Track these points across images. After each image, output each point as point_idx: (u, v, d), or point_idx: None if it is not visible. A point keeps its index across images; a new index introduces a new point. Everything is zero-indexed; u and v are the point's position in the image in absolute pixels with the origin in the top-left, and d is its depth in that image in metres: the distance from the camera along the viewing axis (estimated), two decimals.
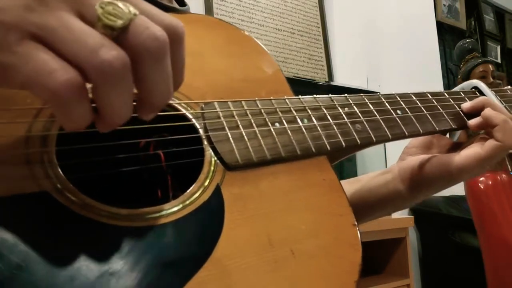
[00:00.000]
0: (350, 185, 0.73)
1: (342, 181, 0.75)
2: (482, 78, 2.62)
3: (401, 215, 2.60)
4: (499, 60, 4.12)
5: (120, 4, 0.32)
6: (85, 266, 0.34)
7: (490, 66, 2.57)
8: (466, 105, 0.65)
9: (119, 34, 0.32)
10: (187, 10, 0.76)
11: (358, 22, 2.72)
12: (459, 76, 2.62)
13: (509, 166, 2.24)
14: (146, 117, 0.36)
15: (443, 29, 3.52)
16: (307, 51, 2.46)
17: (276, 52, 2.32)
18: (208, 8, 2.09)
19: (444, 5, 3.57)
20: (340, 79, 2.55)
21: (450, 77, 3.47)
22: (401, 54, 2.91)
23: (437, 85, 3.19)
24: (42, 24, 0.31)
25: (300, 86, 2.05)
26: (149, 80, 0.34)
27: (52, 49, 0.31)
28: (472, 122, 0.63)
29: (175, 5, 0.75)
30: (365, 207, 0.71)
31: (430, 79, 3.10)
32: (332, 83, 2.48)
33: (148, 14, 0.34)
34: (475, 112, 0.64)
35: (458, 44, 2.69)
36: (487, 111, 0.62)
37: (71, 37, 0.31)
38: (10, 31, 0.30)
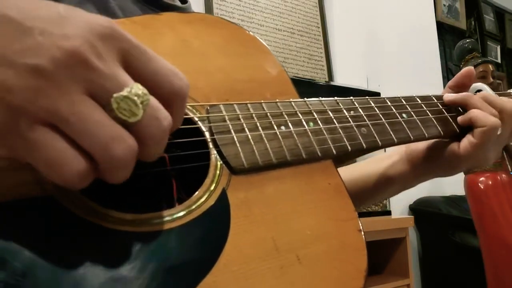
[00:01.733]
0: (351, 171, 0.75)
1: (342, 169, 0.76)
2: (482, 78, 2.62)
3: (401, 215, 2.61)
4: (499, 60, 4.12)
5: (134, 98, 0.32)
6: (90, 272, 0.34)
7: (490, 66, 2.57)
8: (448, 96, 0.67)
9: (130, 125, 0.32)
10: (188, 7, 0.76)
11: (358, 22, 2.72)
12: None
13: (509, 166, 2.24)
14: None
15: (443, 29, 3.51)
16: (307, 51, 2.46)
17: (276, 52, 2.32)
18: (208, 8, 2.09)
19: (444, 5, 3.57)
20: (340, 79, 2.55)
21: (450, 77, 3.45)
22: (401, 54, 2.91)
23: (437, 85, 3.19)
24: (53, 110, 0.30)
25: (300, 86, 2.04)
26: (148, 155, 0.35)
27: (64, 134, 0.31)
28: (459, 119, 0.65)
29: (177, 2, 0.74)
30: (370, 189, 0.73)
31: (430, 79, 3.10)
32: (332, 83, 2.48)
33: (158, 80, 0.35)
34: (454, 105, 0.66)
35: (458, 44, 2.69)
36: (472, 114, 0.63)
37: (83, 129, 0.30)
38: (20, 116, 0.29)
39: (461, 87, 0.69)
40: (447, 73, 3.46)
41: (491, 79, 2.64)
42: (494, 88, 2.79)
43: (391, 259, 2.14)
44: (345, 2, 2.71)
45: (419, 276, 2.80)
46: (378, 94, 2.39)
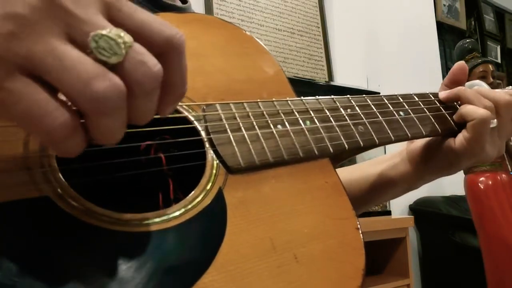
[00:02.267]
0: (353, 172, 0.75)
1: (343, 169, 0.76)
2: (482, 78, 2.62)
3: (401, 215, 2.61)
4: (499, 60, 4.12)
5: (114, 37, 0.30)
6: (86, 273, 0.34)
7: (490, 66, 2.56)
8: (443, 94, 0.67)
9: (112, 68, 0.30)
10: (188, 7, 0.76)
11: (358, 22, 2.72)
12: None
13: (509, 166, 2.24)
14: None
15: (443, 29, 3.51)
16: (307, 51, 2.46)
17: (276, 52, 2.32)
18: (208, 8, 2.08)
19: (444, 5, 3.57)
20: (340, 79, 2.55)
21: None
22: (401, 54, 2.91)
23: (437, 85, 3.17)
24: (29, 53, 0.28)
25: (300, 86, 2.04)
26: (137, 109, 0.32)
27: (43, 81, 0.29)
28: (454, 117, 0.64)
29: (178, 2, 0.74)
30: (372, 191, 0.72)
31: (430, 79, 3.10)
32: (332, 83, 2.48)
33: (145, 29, 0.33)
34: (450, 101, 0.66)
35: (458, 44, 2.68)
36: (463, 109, 0.63)
37: (61, 67, 0.29)
38: None
39: (456, 83, 0.68)
40: (447, 73, 3.46)
41: (491, 79, 2.64)
42: (494, 88, 2.78)
43: (391, 259, 2.14)
44: (345, 2, 2.71)
45: (419, 276, 2.80)
46: (378, 94, 2.39)
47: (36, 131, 0.29)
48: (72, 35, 0.30)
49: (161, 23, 0.33)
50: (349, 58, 2.64)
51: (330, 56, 2.55)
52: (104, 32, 0.30)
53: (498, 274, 2.11)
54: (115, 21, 0.32)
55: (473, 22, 3.91)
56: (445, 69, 3.45)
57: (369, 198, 0.73)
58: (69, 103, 0.30)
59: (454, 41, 3.35)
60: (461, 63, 0.69)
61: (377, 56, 2.77)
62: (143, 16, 0.33)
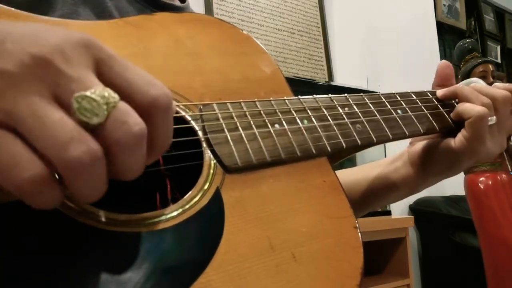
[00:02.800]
0: (354, 175, 0.74)
1: (344, 170, 0.76)
2: (482, 78, 2.62)
3: (401, 215, 2.61)
4: (499, 60, 4.12)
5: (97, 98, 0.30)
6: (83, 273, 0.34)
7: (490, 66, 2.56)
8: (440, 92, 0.66)
9: (94, 129, 0.30)
10: (187, 6, 0.75)
11: (358, 22, 2.72)
12: (459, 76, 2.62)
13: (509, 166, 2.23)
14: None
15: (443, 29, 3.51)
16: (307, 51, 2.46)
17: (276, 52, 2.32)
18: (208, 8, 2.08)
19: (444, 5, 3.57)
20: (340, 79, 2.55)
21: None
22: (401, 54, 2.91)
23: None
24: (11, 111, 0.28)
25: (300, 86, 2.04)
26: (122, 166, 0.32)
27: (22, 138, 0.29)
28: (451, 115, 0.64)
29: (176, 1, 0.74)
30: (374, 194, 0.72)
31: (430, 79, 3.08)
32: (332, 83, 2.47)
33: (132, 89, 0.33)
34: (448, 99, 0.66)
35: (458, 44, 2.69)
36: (460, 107, 0.62)
37: (40, 129, 0.29)
38: None
39: (446, 79, 0.69)
40: None
41: (491, 79, 2.64)
42: None
43: (391, 259, 2.14)
44: (345, 2, 2.71)
45: (419, 276, 2.80)
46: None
47: (7, 183, 0.29)
48: (58, 93, 0.30)
49: (149, 83, 0.33)
50: (349, 58, 2.64)
51: (330, 56, 2.55)
52: (87, 93, 0.30)
53: (498, 274, 2.10)
54: (105, 78, 0.32)
55: (473, 22, 3.91)
56: None
57: (371, 201, 0.73)
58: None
59: (454, 41, 3.35)
60: (444, 61, 0.70)
61: (377, 56, 2.77)
62: (132, 75, 0.33)
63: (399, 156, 0.71)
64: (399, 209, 2.69)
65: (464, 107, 0.61)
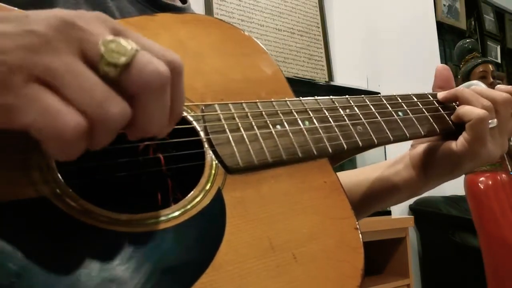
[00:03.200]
0: (355, 177, 0.74)
1: (346, 172, 0.76)
2: (482, 78, 2.62)
3: (401, 215, 2.61)
4: (499, 60, 4.12)
5: (122, 41, 0.32)
6: (85, 273, 0.34)
7: (490, 66, 2.56)
8: (441, 94, 0.67)
9: (122, 71, 0.32)
10: (188, 7, 0.76)
11: (358, 22, 2.72)
12: (459, 76, 2.62)
13: (509, 166, 2.24)
14: (134, 138, 0.36)
15: (443, 29, 3.51)
16: (307, 51, 2.46)
17: (276, 52, 2.32)
18: (208, 8, 2.08)
19: (444, 5, 3.57)
20: (340, 79, 2.55)
21: None
22: (401, 54, 2.91)
23: None
24: (47, 67, 0.30)
25: (300, 86, 2.04)
26: (148, 112, 0.34)
27: (57, 93, 0.31)
28: (452, 117, 0.64)
29: (177, 2, 0.74)
30: (375, 196, 0.72)
31: (430, 79, 3.08)
32: (332, 83, 2.47)
33: (149, 50, 0.34)
34: (448, 101, 0.66)
35: (458, 44, 2.68)
36: (460, 110, 0.63)
37: (78, 86, 0.31)
38: (14, 73, 0.30)
39: (446, 82, 0.69)
40: None
41: (491, 79, 2.63)
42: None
43: (391, 259, 2.14)
44: (345, 2, 2.71)
45: (419, 276, 2.80)
46: (378, 94, 2.39)
47: (48, 134, 0.30)
48: (83, 50, 0.32)
49: (162, 48, 0.36)
50: (349, 58, 2.64)
51: (330, 56, 2.55)
52: (112, 37, 0.32)
53: (498, 274, 2.10)
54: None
55: (473, 22, 3.91)
56: None
57: (372, 203, 0.73)
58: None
59: (454, 41, 3.36)
60: (441, 65, 0.71)
61: (377, 56, 2.77)
62: (147, 42, 0.35)
63: (401, 159, 0.71)
64: (399, 209, 2.69)
65: (465, 110, 0.62)
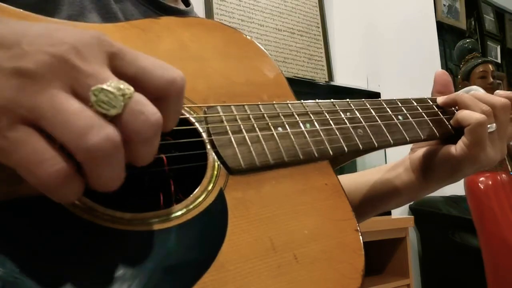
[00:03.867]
0: (356, 180, 0.75)
1: (346, 175, 0.76)
2: (482, 78, 2.62)
3: (401, 215, 2.61)
4: (499, 60, 4.12)
5: (113, 90, 0.31)
6: (87, 271, 0.34)
7: (490, 66, 2.56)
8: (441, 99, 0.67)
9: (112, 119, 0.31)
10: (191, 10, 0.76)
11: (358, 22, 2.72)
12: (459, 76, 2.62)
13: (509, 166, 2.24)
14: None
15: (443, 29, 3.52)
16: (307, 51, 2.46)
17: (276, 52, 2.32)
18: (208, 8, 2.08)
19: (444, 5, 3.57)
20: (340, 79, 2.55)
21: (450, 77, 3.46)
22: (401, 54, 2.91)
23: None
24: (32, 106, 0.30)
25: (300, 86, 2.04)
26: (137, 154, 0.34)
27: (44, 131, 0.30)
28: (451, 122, 0.65)
29: (181, 5, 0.75)
30: (376, 199, 0.72)
31: (430, 79, 3.09)
32: (332, 83, 2.48)
33: (146, 75, 0.34)
34: (448, 106, 0.66)
35: (458, 44, 2.68)
36: (459, 114, 0.63)
37: (60, 120, 0.30)
38: (2, 115, 0.30)
39: (445, 86, 0.69)
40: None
41: (491, 79, 2.64)
42: (494, 88, 2.79)
43: (391, 259, 2.14)
44: (345, 2, 2.71)
45: (419, 276, 2.80)
46: (378, 94, 2.40)
47: (33, 178, 0.30)
48: (75, 88, 0.31)
49: (161, 67, 0.35)
50: (349, 58, 2.64)
51: (330, 56, 2.55)
52: (104, 86, 0.31)
53: (498, 274, 2.11)
54: (119, 70, 0.34)
55: (473, 22, 3.91)
56: (445, 69, 3.45)
57: (372, 207, 0.73)
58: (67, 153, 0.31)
59: (454, 41, 3.35)
60: (440, 70, 0.71)
61: (377, 56, 2.78)
62: (145, 62, 0.35)
63: (401, 162, 0.72)
64: (399, 209, 2.69)
65: (463, 114, 0.62)
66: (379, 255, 2.14)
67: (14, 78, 0.30)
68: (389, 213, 2.31)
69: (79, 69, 0.31)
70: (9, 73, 0.30)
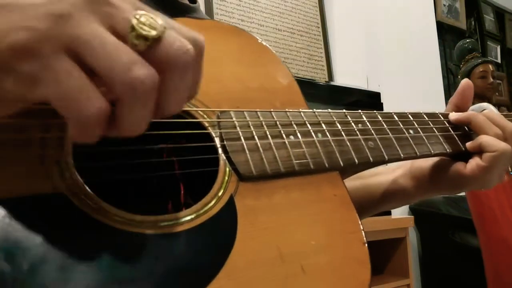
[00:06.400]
0: (353, 181, 0.75)
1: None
2: (482, 78, 2.63)
3: (401, 215, 2.61)
4: (499, 60, 4.12)
5: (153, 16, 0.32)
6: (96, 272, 0.34)
7: (490, 66, 2.57)
8: (453, 115, 0.67)
9: (151, 45, 0.32)
10: (197, 7, 0.76)
11: (358, 22, 2.72)
12: (459, 76, 2.63)
13: (509, 166, 2.24)
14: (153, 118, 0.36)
15: (443, 29, 3.52)
16: (307, 51, 2.46)
17: (276, 52, 2.30)
18: (208, 8, 2.08)
19: (444, 5, 3.57)
20: (340, 79, 2.55)
21: (450, 77, 3.47)
22: (401, 54, 2.91)
23: (437, 85, 3.20)
24: (76, 35, 0.30)
25: (300, 86, 2.04)
26: (171, 89, 0.34)
27: (85, 63, 0.31)
28: (468, 145, 0.64)
29: (186, 2, 0.75)
30: (371, 201, 0.73)
31: (430, 79, 3.11)
32: (332, 83, 2.47)
33: (175, 29, 0.34)
34: (460, 124, 0.66)
35: (458, 44, 2.69)
36: (483, 140, 0.63)
37: (104, 51, 0.31)
38: (44, 41, 0.30)
39: (465, 101, 0.70)
40: (447, 73, 3.47)
41: (491, 79, 2.64)
42: (494, 88, 2.79)
43: (391, 259, 2.14)
44: (345, 2, 2.71)
45: (419, 276, 2.80)
46: (378, 94, 2.39)
47: (72, 114, 0.30)
48: (112, 23, 0.32)
49: (187, 29, 0.36)
50: (349, 58, 2.64)
51: (330, 56, 2.55)
52: (143, 12, 0.32)
53: (498, 274, 2.11)
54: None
55: (473, 22, 3.91)
56: (445, 69, 3.45)
57: (366, 208, 0.74)
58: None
59: (454, 41, 3.36)
60: (468, 81, 0.70)
61: (377, 56, 2.77)
62: (174, 22, 0.35)
63: (400, 167, 0.72)
64: (399, 209, 2.69)
65: (488, 141, 0.62)
66: (379, 255, 2.14)
67: (56, 6, 0.30)
68: (389, 213, 2.31)
69: (117, 6, 0.32)
70: (51, 2, 0.30)
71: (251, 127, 0.49)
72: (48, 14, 0.30)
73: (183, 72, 0.34)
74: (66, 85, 0.30)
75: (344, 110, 0.58)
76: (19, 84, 0.30)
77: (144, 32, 0.32)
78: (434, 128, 0.64)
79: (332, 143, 0.53)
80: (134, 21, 0.32)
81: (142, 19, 0.32)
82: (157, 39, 0.32)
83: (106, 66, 0.30)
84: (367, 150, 0.55)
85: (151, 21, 0.32)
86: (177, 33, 0.34)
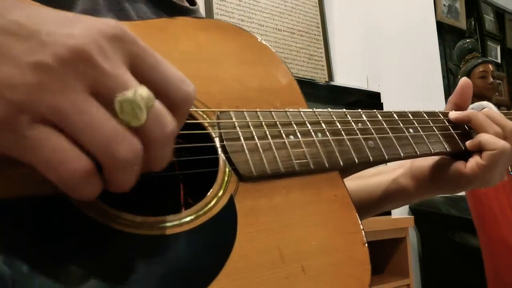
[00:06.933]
0: (353, 181, 0.74)
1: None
2: (482, 78, 2.63)
3: (401, 215, 2.61)
4: (499, 60, 4.12)
5: (138, 99, 0.31)
6: (96, 273, 0.34)
7: (490, 66, 2.57)
8: (453, 114, 0.67)
9: (134, 128, 0.32)
10: (197, 9, 0.76)
11: (358, 22, 2.72)
12: (459, 76, 2.63)
13: (509, 166, 2.24)
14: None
15: (443, 29, 3.52)
16: (307, 51, 2.46)
17: (276, 52, 2.31)
18: (208, 8, 2.08)
19: (444, 5, 3.57)
20: (340, 79, 2.55)
21: (450, 77, 3.47)
22: (401, 54, 2.91)
23: (437, 85, 3.19)
24: (54, 106, 0.29)
25: (300, 86, 2.04)
26: (154, 158, 0.34)
27: (64, 132, 0.30)
28: (468, 144, 0.64)
29: (185, 4, 0.75)
30: (371, 201, 0.73)
31: (430, 79, 3.10)
32: (332, 83, 2.47)
33: (166, 85, 0.34)
34: (460, 123, 0.66)
35: (458, 44, 2.69)
36: (482, 138, 0.63)
37: (84, 125, 0.30)
38: (21, 112, 0.29)
39: (464, 100, 0.69)
40: (447, 73, 3.47)
41: (491, 79, 2.64)
42: (494, 88, 2.79)
43: (391, 259, 2.14)
44: (345, 2, 2.71)
45: (419, 276, 2.80)
46: (378, 94, 2.39)
47: (55, 176, 0.30)
48: (97, 89, 0.31)
49: (179, 79, 0.35)
50: (349, 58, 2.64)
51: (330, 56, 2.55)
52: (129, 95, 0.31)
53: (498, 274, 2.11)
54: (139, 73, 0.33)
55: (473, 22, 3.91)
56: (445, 69, 3.45)
57: (367, 208, 0.73)
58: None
59: (454, 41, 3.36)
60: (466, 79, 0.70)
61: (377, 56, 2.77)
62: (165, 70, 0.35)
63: (400, 167, 0.72)
64: (399, 209, 2.69)
65: (487, 139, 0.62)
66: (379, 255, 2.14)
67: (32, 73, 0.29)
68: (389, 213, 2.31)
69: (100, 68, 0.30)
70: (27, 67, 0.29)
71: (251, 127, 0.49)
72: (23, 82, 0.29)
73: (164, 146, 0.34)
74: (44, 152, 0.29)
75: (344, 110, 0.58)
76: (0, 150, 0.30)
77: (125, 120, 0.31)
78: (434, 127, 0.64)
79: (332, 143, 0.53)
80: (118, 107, 0.31)
81: (126, 107, 0.31)
82: (138, 126, 0.32)
83: (86, 139, 0.30)
84: (367, 150, 0.55)
85: (134, 108, 0.31)
86: (162, 112, 0.33)
